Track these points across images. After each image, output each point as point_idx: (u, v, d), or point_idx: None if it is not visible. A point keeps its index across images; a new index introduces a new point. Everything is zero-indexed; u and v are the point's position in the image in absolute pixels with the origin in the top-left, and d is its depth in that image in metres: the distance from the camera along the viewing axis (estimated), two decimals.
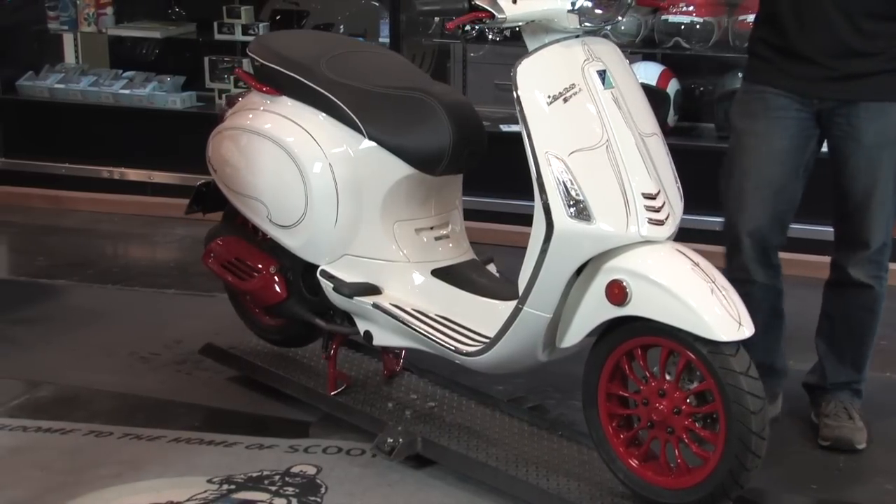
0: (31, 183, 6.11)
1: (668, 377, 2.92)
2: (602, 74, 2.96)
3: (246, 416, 3.70)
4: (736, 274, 3.39)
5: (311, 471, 3.34)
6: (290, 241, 3.53)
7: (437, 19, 5.41)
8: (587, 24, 2.95)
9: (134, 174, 6.02)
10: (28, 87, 6.20)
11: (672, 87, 5.27)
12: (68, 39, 6.49)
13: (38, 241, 5.57)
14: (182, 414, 3.72)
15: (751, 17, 5.07)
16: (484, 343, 3.16)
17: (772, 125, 3.35)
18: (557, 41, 2.98)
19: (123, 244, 5.69)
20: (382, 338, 3.43)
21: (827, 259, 3.53)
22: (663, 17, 5.21)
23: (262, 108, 3.58)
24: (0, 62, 6.17)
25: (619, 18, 3.08)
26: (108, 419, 3.66)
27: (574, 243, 2.92)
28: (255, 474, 3.32)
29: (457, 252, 3.49)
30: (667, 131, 5.22)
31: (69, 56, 6.50)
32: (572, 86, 2.93)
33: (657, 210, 2.91)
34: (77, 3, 6.15)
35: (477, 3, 2.93)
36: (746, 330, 2.81)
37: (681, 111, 5.32)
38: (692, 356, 2.85)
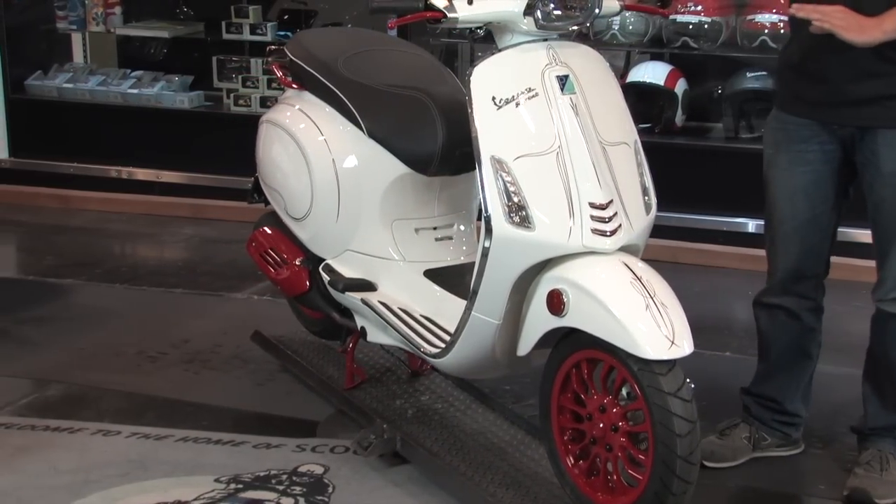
0: (39, 182, 6.13)
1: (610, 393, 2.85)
2: (563, 80, 2.87)
3: (253, 416, 3.71)
4: (764, 298, 3.36)
5: (319, 470, 3.34)
6: (302, 233, 3.57)
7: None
8: (546, 28, 2.88)
9: (142, 174, 6.02)
10: (36, 87, 6.21)
11: (680, 86, 5.26)
12: (77, 39, 6.50)
13: (46, 241, 5.58)
14: (190, 413, 3.72)
15: (759, 17, 5.10)
16: (446, 345, 3.12)
17: (793, 159, 3.22)
18: (523, 43, 2.92)
19: (131, 243, 5.70)
20: (374, 334, 3.43)
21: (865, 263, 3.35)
22: (671, 17, 5.20)
23: (287, 102, 3.66)
24: (9, 62, 6.18)
25: (588, 25, 2.99)
26: (115, 418, 3.67)
27: (513, 250, 2.87)
28: (262, 474, 3.32)
29: (459, 253, 3.48)
30: (675, 131, 5.30)
31: (77, 55, 6.51)
32: (529, 90, 2.86)
33: (606, 220, 2.82)
34: (85, 3, 6.16)
35: (431, 2, 2.87)
36: (683, 349, 2.69)
37: (689, 111, 5.32)
38: (627, 373, 2.75)
